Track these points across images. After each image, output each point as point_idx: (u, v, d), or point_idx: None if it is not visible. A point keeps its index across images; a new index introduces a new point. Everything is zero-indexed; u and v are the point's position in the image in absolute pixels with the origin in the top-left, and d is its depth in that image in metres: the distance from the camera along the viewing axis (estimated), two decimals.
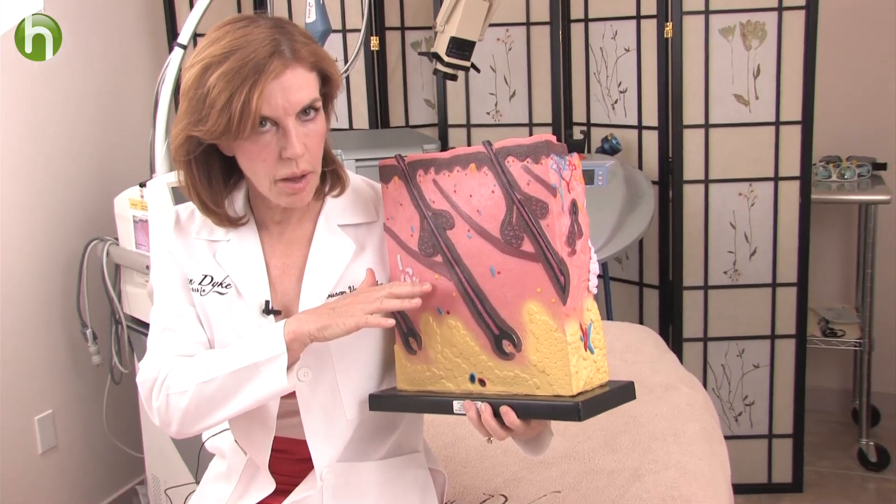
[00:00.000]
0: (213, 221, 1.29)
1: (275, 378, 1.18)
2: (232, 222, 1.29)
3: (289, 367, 1.19)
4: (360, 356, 1.29)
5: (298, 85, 1.16)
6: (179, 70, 2.30)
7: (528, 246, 1.13)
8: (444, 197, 1.21)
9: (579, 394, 1.12)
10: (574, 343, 1.11)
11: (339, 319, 1.17)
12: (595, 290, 1.17)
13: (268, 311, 1.27)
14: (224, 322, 1.29)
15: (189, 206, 1.33)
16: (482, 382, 1.20)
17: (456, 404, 1.19)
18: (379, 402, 1.27)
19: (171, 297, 1.31)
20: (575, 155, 1.15)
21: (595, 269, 1.17)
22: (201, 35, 1.43)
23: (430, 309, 1.24)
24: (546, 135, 1.12)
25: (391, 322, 1.20)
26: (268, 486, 1.34)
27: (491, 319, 1.18)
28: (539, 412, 1.13)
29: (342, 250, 1.28)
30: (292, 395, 1.27)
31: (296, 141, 1.16)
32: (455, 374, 1.23)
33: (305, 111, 1.17)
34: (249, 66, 1.12)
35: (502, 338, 1.17)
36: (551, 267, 1.11)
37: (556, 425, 1.22)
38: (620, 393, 1.15)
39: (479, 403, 1.16)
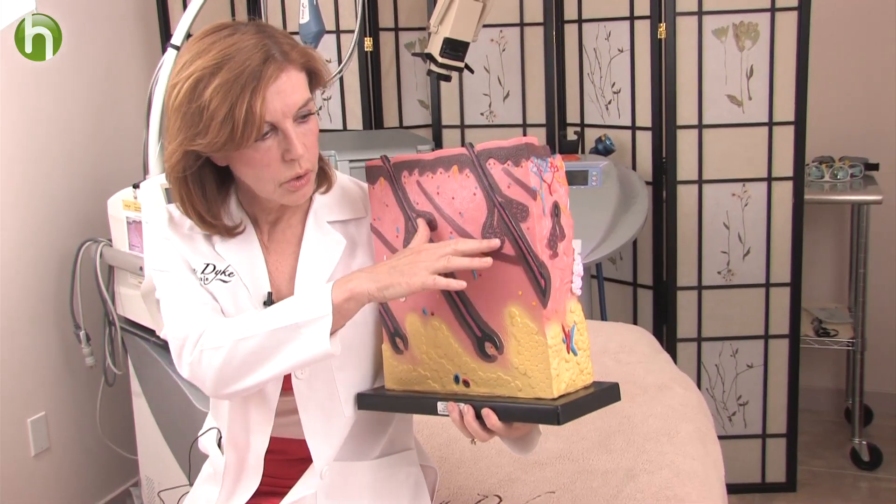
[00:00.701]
0: (213, 234, 1.28)
1: (316, 341, 1.13)
2: (229, 231, 1.28)
3: (333, 332, 1.14)
4: (356, 353, 1.29)
5: (293, 87, 1.16)
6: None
7: (508, 249, 1.13)
8: (427, 199, 1.21)
9: (560, 396, 1.12)
10: (555, 346, 1.12)
11: (401, 279, 1.11)
12: (579, 292, 1.17)
13: (270, 303, 1.26)
14: (229, 310, 1.27)
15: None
16: (466, 384, 1.21)
17: (440, 405, 1.19)
18: (366, 401, 1.28)
19: (177, 273, 1.27)
20: (558, 156, 1.15)
21: (579, 270, 1.16)
22: None
23: (416, 309, 1.24)
24: (527, 137, 1.12)
25: (462, 284, 1.12)
26: (251, 485, 1.33)
27: (473, 321, 1.18)
28: (519, 415, 1.13)
29: (332, 247, 1.29)
30: (290, 392, 1.27)
31: (296, 142, 1.17)
32: (440, 374, 1.24)
33: (301, 112, 1.18)
34: (246, 74, 1.12)
35: (485, 340, 1.17)
36: (532, 270, 1.11)
37: (548, 426, 1.22)
38: (604, 395, 1.15)
39: (461, 405, 1.16)
